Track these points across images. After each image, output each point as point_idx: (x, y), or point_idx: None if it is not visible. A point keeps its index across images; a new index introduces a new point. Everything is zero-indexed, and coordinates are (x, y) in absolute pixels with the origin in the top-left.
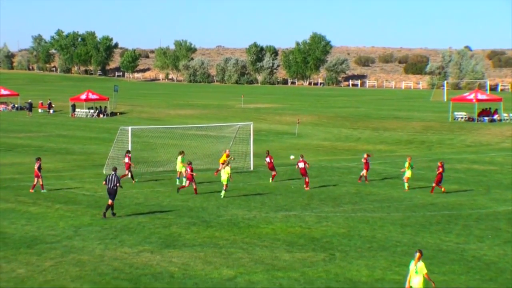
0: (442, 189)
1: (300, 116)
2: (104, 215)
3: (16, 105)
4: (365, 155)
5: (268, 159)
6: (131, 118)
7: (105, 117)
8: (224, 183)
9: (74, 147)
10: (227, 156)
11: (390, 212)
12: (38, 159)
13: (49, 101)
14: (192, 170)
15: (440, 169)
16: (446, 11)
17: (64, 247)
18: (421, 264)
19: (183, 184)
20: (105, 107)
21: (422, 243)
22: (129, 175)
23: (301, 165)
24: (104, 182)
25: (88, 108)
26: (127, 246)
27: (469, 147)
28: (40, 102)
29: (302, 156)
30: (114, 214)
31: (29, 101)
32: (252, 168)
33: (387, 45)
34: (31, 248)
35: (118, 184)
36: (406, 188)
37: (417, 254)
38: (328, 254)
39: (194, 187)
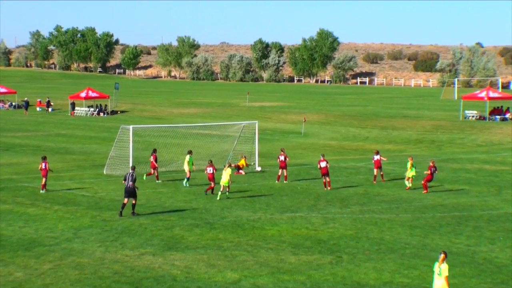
0: (426, 190)
1: (307, 114)
2: (121, 214)
3: (13, 103)
4: (374, 152)
5: (282, 157)
6: (133, 117)
7: (105, 115)
8: (225, 185)
9: (73, 146)
10: (245, 161)
11: (399, 213)
12: (45, 158)
13: (47, 99)
14: (214, 169)
15: (432, 169)
16: (457, 6)
17: (63, 249)
18: (444, 266)
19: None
20: (106, 105)
21: (432, 245)
22: (155, 174)
23: (323, 164)
24: (123, 181)
25: (88, 107)
26: (128, 248)
27: (480, 146)
28: (39, 100)
29: (323, 156)
30: (120, 214)
31: (26, 99)
32: (258, 168)
33: (396, 41)
34: (29, 250)
35: (132, 184)
36: (409, 186)
37: (441, 256)
38: (335, 256)
39: (212, 186)
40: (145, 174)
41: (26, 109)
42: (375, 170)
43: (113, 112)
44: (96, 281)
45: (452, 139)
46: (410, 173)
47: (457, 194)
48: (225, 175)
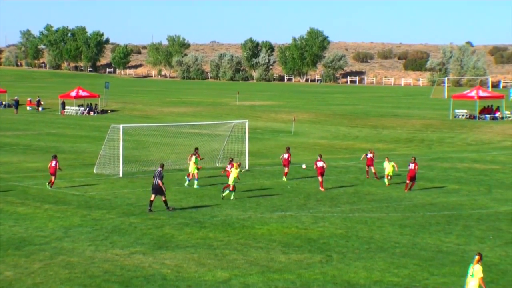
0: (406, 189)
1: (297, 113)
2: (150, 210)
3: (3, 103)
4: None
5: (285, 155)
6: (123, 116)
7: (95, 114)
8: (230, 183)
9: (63, 145)
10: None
11: (389, 212)
12: (55, 157)
13: (38, 98)
14: (233, 167)
15: (411, 164)
16: (447, 5)
17: (53, 248)
18: (477, 268)
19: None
20: (96, 104)
21: (422, 244)
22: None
23: (320, 164)
24: (153, 178)
25: (78, 106)
26: (118, 247)
27: (470, 145)
28: (29, 99)
29: (320, 156)
30: (150, 210)
31: (16, 98)
32: (247, 168)
33: (386, 40)
34: (19, 249)
35: (160, 182)
36: (388, 182)
37: (476, 257)
38: (325, 255)
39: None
40: (186, 176)
41: (16, 108)
42: (371, 168)
43: (103, 111)
44: (86, 280)
45: (442, 138)
46: (387, 170)
47: (447, 193)
48: (231, 175)
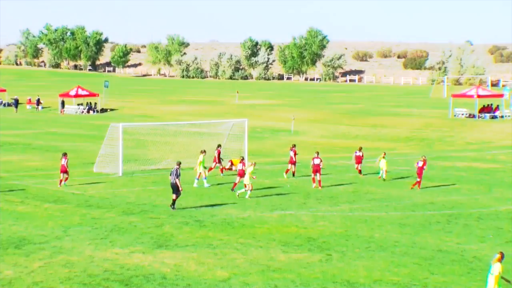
0: (412, 186)
1: (296, 112)
2: (172, 207)
3: (3, 102)
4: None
5: (291, 153)
6: (122, 115)
7: (95, 113)
8: (246, 183)
9: (63, 144)
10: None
11: (389, 211)
12: (65, 154)
13: (37, 97)
14: (244, 166)
15: (420, 162)
16: (446, 4)
17: (53, 247)
18: (496, 266)
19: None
20: (95, 103)
21: (422, 243)
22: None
23: (317, 161)
24: (170, 176)
25: (78, 105)
26: (118, 246)
27: (470, 144)
28: (29, 98)
29: (317, 153)
30: (173, 208)
31: (15, 97)
32: None
33: (386, 39)
34: (19, 248)
35: (177, 180)
36: (380, 176)
37: (497, 256)
38: (325, 254)
39: (236, 182)
40: (210, 169)
41: (16, 107)
42: (358, 165)
43: (103, 110)
44: (86, 279)
45: (442, 137)
46: (382, 163)
47: (447, 192)
48: (246, 174)
